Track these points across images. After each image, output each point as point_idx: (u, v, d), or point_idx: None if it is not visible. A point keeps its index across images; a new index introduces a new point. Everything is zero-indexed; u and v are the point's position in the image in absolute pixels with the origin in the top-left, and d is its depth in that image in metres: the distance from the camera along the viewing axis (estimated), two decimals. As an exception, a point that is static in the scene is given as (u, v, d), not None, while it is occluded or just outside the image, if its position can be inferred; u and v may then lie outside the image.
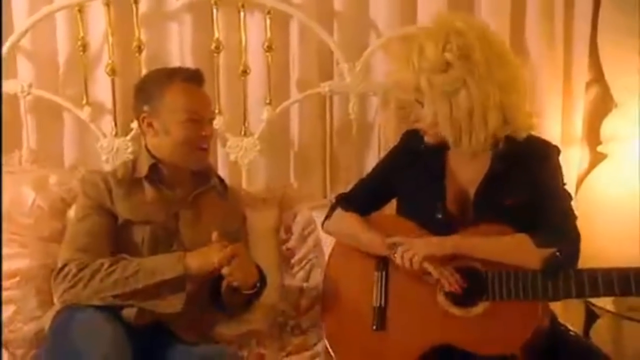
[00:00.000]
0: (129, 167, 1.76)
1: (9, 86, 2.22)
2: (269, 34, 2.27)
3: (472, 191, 1.64)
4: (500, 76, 1.54)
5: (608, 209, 2.38)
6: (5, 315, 1.77)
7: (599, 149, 2.46)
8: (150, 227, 1.67)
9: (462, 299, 1.54)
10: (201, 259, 1.57)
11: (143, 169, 1.73)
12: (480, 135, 1.56)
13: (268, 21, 2.26)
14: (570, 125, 2.45)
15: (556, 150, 1.66)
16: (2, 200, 1.82)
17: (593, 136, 2.49)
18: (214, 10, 2.24)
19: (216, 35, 2.25)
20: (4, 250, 1.83)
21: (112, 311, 1.55)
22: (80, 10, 2.20)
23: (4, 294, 1.79)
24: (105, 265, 1.56)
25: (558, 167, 1.64)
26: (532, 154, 1.61)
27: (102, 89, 2.30)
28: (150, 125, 1.74)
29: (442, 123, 1.57)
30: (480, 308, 1.52)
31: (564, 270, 1.49)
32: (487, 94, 1.53)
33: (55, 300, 1.61)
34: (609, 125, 2.45)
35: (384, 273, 1.65)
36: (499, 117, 1.55)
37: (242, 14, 2.26)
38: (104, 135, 2.26)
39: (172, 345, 1.58)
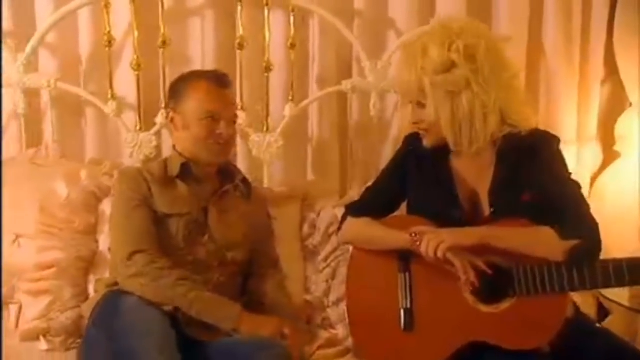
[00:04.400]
0: (162, 166, 1.82)
1: (32, 80, 2.24)
2: (292, 32, 2.30)
3: (481, 190, 1.65)
4: (502, 78, 1.58)
5: (621, 207, 2.42)
6: (42, 305, 1.83)
7: (614, 148, 2.50)
8: (184, 221, 1.74)
9: (490, 296, 1.56)
10: (253, 328, 1.61)
11: (175, 168, 1.80)
12: (480, 136, 1.59)
13: (292, 18, 2.29)
14: (586, 123, 2.49)
15: (557, 140, 1.68)
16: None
17: (608, 135, 2.53)
18: (239, 7, 2.27)
19: (240, 32, 2.28)
20: (40, 242, 1.87)
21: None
22: (106, 6, 2.22)
23: (40, 284, 1.83)
24: (173, 277, 1.62)
25: (561, 156, 1.65)
26: (534, 145, 1.63)
27: (124, 83, 2.33)
28: (173, 120, 1.84)
29: (443, 123, 1.59)
30: (508, 303, 1.54)
31: (589, 261, 1.51)
32: (489, 96, 1.56)
33: (119, 280, 1.66)
34: (624, 124, 2.49)
35: (407, 274, 1.66)
36: (498, 119, 1.59)
37: (266, 11, 2.28)
38: (128, 130, 2.28)
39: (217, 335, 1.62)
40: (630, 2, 2.43)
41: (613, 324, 2.29)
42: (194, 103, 1.78)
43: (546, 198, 1.57)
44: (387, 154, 2.42)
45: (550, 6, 2.44)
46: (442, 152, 1.68)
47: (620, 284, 1.51)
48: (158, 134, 2.29)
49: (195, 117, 1.78)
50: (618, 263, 1.49)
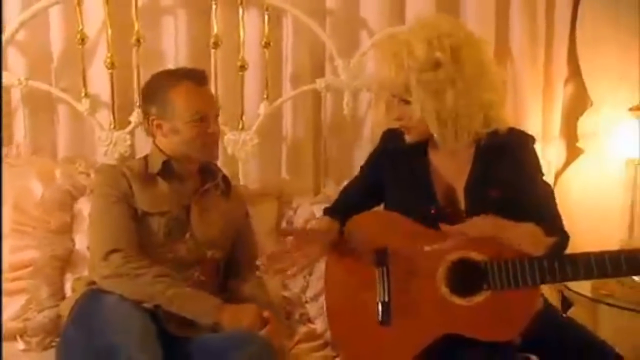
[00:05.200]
0: (142, 163, 1.82)
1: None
2: (266, 31, 2.32)
3: (458, 186, 1.70)
4: (484, 78, 1.62)
5: (584, 201, 2.52)
6: (18, 305, 1.81)
7: (577, 144, 2.59)
8: (165, 218, 1.74)
9: (464, 289, 1.61)
10: (234, 318, 1.62)
11: (156, 165, 1.79)
12: (465, 132, 1.64)
13: (266, 17, 2.31)
14: (550, 122, 2.58)
15: (532, 140, 1.74)
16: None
17: (571, 132, 2.63)
18: (213, 6, 2.28)
19: (215, 30, 2.29)
20: (14, 242, 1.85)
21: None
22: (79, 3, 2.20)
23: (16, 284, 1.81)
24: (151, 275, 1.63)
25: (536, 156, 1.72)
26: (511, 144, 1.68)
27: (97, 81, 2.32)
28: (159, 126, 1.80)
29: (429, 120, 1.62)
30: (482, 296, 1.59)
31: (558, 255, 1.58)
32: (473, 94, 1.60)
33: (96, 279, 1.66)
34: (586, 122, 2.59)
35: (384, 269, 1.69)
36: (481, 117, 1.64)
37: (241, 10, 2.30)
38: (102, 128, 2.27)
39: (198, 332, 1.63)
40: (592, 5, 2.52)
41: (576, 314, 2.38)
42: (180, 107, 1.75)
43: (519, 196, 1.63)
44: (360, 151, 2.47)
45: (516, 8, 2.51)
46: (420, 148, 1.72)
47: (602, 275, 1.57)
48: (132, 132, 2.29)
49: (183, 120, 1.75)
50: (600, 255, 1.54)
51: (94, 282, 1.67)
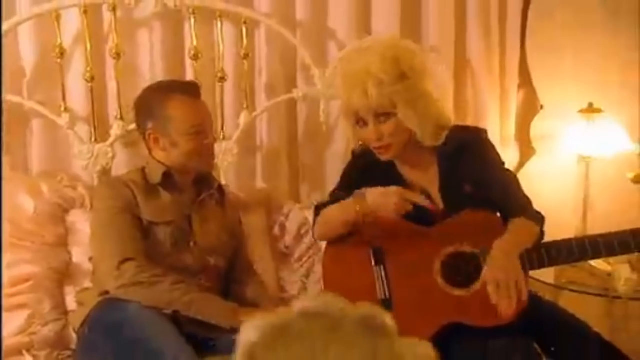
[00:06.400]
0: (141, 175, 1.84)
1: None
2: (245, 42, 2.39)
3: (432, 189, 1.82)
4: (436, 86, 1.78)
5: (541, 197, 2.71)
6: (21, 319, 1.79)
7: (530, 146, 2.80)
8: (171, 228, 1.78)
9: (461, 280, 1.73)
10: None
11: (156, 176, 1.82)
12: (441, 134, 1.78)
13: (244, 30, 2.38)
14: (506, 126, 2.77)
15: (484, 131, 1.90)
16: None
17: (524, 135, 2.83)
18: (192, 19, 2.33)
19: (194, 43, 2.34)
20: (11, 257, 1.83)
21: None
22: (57, 18, 2.20)
23: (16, 299, 1.79)
24: (168, 282, 1.65)
25: (493, 146, 1.86)
26: (468, 141, 1.82)
27: (73, 95, 2.31)
28: (156, 140, 1.83)
29: (410, 123, 1.73)
30: (478, 285, 1.71)
31: (541, 244, 1.72)
32: (436, 101, 1.77)
33: (110, 290, 1.66)
34: (537, 125, 2.80)
35: (382, 267, 1.78)
36: (448, 121, 1.80)
37: (219, 22, 2.36)
38: (83, 142, 2.27)
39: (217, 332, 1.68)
40: (539, 16, 2.74)
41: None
42: (178, 121, 1.79)
43: (489, 187, 1.77)
44: (335, 159, 2.57)
45: (472, 22, 2.69)
46: (387, 164, 1.82)
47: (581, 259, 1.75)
48: (112, 145, 2.30)
49: (181, 134, 1.79)
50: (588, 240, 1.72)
51: (106, 292, 1.68)
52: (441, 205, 1.82)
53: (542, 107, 2.81)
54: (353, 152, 1.94)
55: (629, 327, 2.51)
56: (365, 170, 1.86)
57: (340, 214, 1.78)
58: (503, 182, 1.82)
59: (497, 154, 1.86)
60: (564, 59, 2.73)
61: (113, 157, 2.28)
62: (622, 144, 2.58)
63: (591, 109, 2.60)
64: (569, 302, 2.50)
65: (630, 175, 2.53)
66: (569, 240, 1.73)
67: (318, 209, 1.92)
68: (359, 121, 1.77)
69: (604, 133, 2.58)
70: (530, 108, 2.84)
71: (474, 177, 1.78)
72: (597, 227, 2.54)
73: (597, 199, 2.67)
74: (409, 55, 1.75)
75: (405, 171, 1.85)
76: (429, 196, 1.82)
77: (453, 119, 1.86)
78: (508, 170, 1.88)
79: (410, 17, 2.64)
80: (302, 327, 0.69)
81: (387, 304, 1.75)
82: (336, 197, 1.87)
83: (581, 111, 2.62)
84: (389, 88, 1.71)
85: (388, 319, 0.74)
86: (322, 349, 0.68)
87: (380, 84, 1.71)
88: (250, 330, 0.67)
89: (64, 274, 1.93)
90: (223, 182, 2.37)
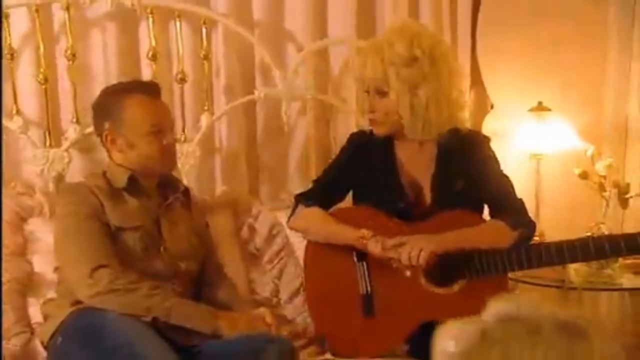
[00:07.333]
0: (104, 180, 1.77)
1: None
2: (205, 43, 2.35)
3: (423, 180, 1.86)
4: (452, 80, 1.82)
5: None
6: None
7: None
8: (139, 233, 1.72)
9: (442, 280, 1.76)
10: (231, 325, 1.64)
11: (120, 180, 1.76)
12: (433, 127, 1.81)
13: (204, 31, 2.34)
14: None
15: (489, 140, 1.95)
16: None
17: (477, 133, 2.91)
18: (150, 18, 2.27)
19: (152, 43, 2.28)
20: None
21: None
22: (6, 17, 2.09)
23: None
24: (145, 288, 1.60)
25: (494, 154, 1.92)
26: (470, 142, 1.88)
27: (24, 97, 2.21)
28: (113, 141, 1.77)
29: (402, 111, 1.78)
30: (459, 285, 1.75)
31: (525, 246, 1.77)
32: (443, 90, 1.79)
33: (84, 298, 1.59)
34: (488, 123, 2.88)
35: (364, 263, 1.80)
36: (447, 115, 1.82)
37: (178, 23, 2.31)
38: (36, 146, 2.17)
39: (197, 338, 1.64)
40: (488, 19, 2.82)
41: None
42: (135, 121, 1.74)
43: (482, 189, 1.82)
44: (294, 158, 2.57)
45: (425, 25, 2.73)
46: (386, 144, 1.85)
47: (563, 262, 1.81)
48: (68, 149, 2.21)
49: (139, 134, 1.74)
50: (559, 244, 1.75)
51: (78, 302, 1.61)
52: (428, 200, 1.84)
53: (492, 106, 2.90)
54: (350, 135, 1.98)
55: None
56: (361, 145, 1.89)
57: (340, 237, 1.80)
58: (497, 184, 1.86)
59: (497, 160, 1.90)
60: (513, 60, 2.81)
61: (69, 162, 2.20)
62: (570, 141, 2.69)
63: (540, 107, 2.70)
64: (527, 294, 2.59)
65: (578, 171, 2.64)
66: (548, 244, 1.79)
67: (300, 197, 1.92)
68: (367, 90, 1.83)
69: (553, 131, 2.68)
70: (481, 107, 2.92)
71: (469, 175, 1.82)
72: (549, 220, 2.69)
73: (547, 194, 2.77)
74: (431, 42, 1.78)
75: (402, 155, 1.87)
76: (419, 189, 1.84)
77: (466, 124, 1.90)
78: (506, 175, 1.91)
79: (366, 19, 2.67)
80: (500, 332, 0.69)
81: (368, 300, 1.77)
82: (329, 175, 1.92)
83: (531, 110, 2.71)
84: (389, 68, 1.74)
85: (588, 325, 0.74)
86: (518, 352, 0.69)
87: (381, 62, 1.75)
88: (446, 340, 0.67)
89: (26, 285, 1.84)
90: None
